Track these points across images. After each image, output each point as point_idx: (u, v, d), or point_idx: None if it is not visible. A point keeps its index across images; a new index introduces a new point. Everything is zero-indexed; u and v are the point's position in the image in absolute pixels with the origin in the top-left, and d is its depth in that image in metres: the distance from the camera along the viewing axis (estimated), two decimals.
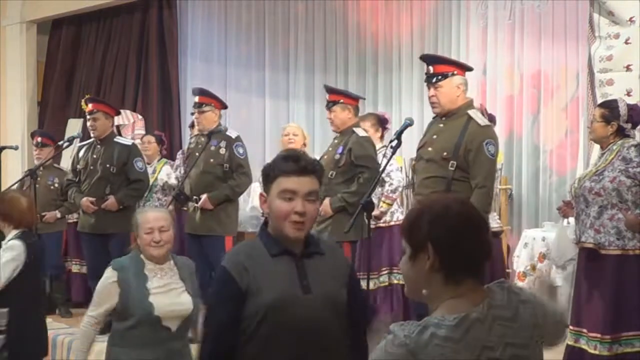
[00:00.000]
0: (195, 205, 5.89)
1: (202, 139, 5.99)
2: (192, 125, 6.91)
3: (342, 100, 5.48)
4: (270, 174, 2.49)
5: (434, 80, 4.29)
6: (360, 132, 5.48)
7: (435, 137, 4.31)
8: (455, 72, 4.34)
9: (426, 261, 1.82)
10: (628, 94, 5.74)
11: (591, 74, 5.99)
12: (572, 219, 4.65)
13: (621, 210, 4.18)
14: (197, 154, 5.89)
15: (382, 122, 6.04)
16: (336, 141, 5.54)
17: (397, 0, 9.03)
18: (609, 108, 4.38)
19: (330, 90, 5.70)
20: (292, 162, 2.47)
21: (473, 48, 8.38)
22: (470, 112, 4.31)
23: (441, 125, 4.34)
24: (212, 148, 5.92)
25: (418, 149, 4.40)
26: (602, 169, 4.29)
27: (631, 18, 5.81)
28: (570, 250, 4.57)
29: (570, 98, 7.72)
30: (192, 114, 6.16)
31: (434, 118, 4.46)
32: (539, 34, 7.88)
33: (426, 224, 1.82)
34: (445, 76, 4.29)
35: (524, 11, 7.99)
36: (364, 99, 5.92)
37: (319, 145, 8.63)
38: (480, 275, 1.85)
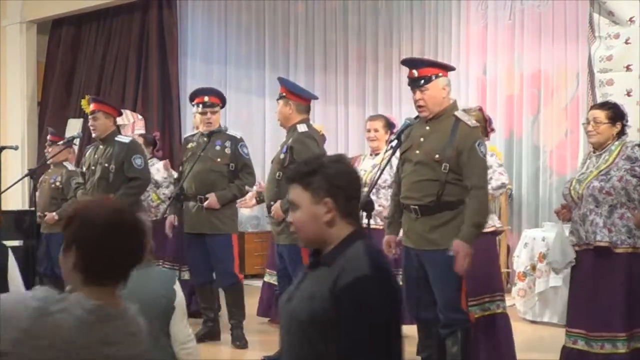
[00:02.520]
0: (200, 204, 5.85)
1: (204, 139, 5.94)
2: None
3: (284, 94, 5.34)
4: None
5: (420, 83, 4.24)
6: (301, 127, 5.28)
7: (422, 139, 4.25)
8: (440, 74, 4.29)
9: (71, 260, 1.97)
10: (628, 94, 5.74)
11: (591, 74, 5.99)
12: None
13: (629, 209, 4.21)
14: (200, 153, 5.85)
15: (390, 126, 5.98)
16: (284, 140, 5.41)
17: (397, 0, 9.04)
18: (613, 108, 4.39)
19: (280, 82, 5.55)
20: None
21: (473, 48, 8.38)
22: (457, 113, 4.26)
23: (427, 127, 4.27)
24: (217, 147, 5.87)
25: (402, 152, 4.35)
26: (607, 169, 4.29)
27: (631, 18, 5.82)
28: (571, 252, 4.56)
29: (570, 98, 7.73)
30: (203, 113, 5.93)
31: (415, 119, 4.41)
32: (539, 34, 7.89)
33: (75, 227, 1.97)
34: (430, 79, 4.24)
35: (524, 11, 7.99)
36: (315, 98, 5.66)
37: None
38: (124, 280, 1.99)
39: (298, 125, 5.26)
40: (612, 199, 4.23)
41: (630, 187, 4.21)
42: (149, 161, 7.38)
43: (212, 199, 5.80)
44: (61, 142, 6.99)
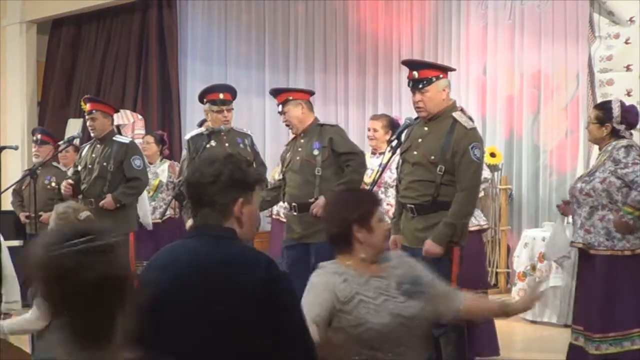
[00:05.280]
0: None
1: (225, 137, 5.68)
2: (201, 124, 6.71)
3: (290, 97, 5.24)
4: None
5: (420, 85, 4.25)
6: (331, 122, 5.35)
7: (420, 140, 4.26)
8: (441, 76, 4.29)
9: None
10: (628, 94, 5.74)
11: (591, 74, 5.99)
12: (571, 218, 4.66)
13: (612, 212, 4.19)
14: (230, 152, 5.60)
15: (393, 126, 5.95)
16: (302, 140, 5.22)
17: (397, 0, 9.04)
18: (603, 109, 4.39)
19: (275, 92, 5.44)
20: None
21: (473, 48, 8.38)
22: (455, 114, 4.26)
23: (426, 128, 4.28)
24: (241, 146, 5.71)
25: (402, 153, 4.36)
26: (595, 169, 4.30)
27: (631, 18, 5.82)
28: (565, 246, 4.60)
29: (570, 98, 7.72)
30: (220, 111, 5.66)
31: (415, 120, 4.41)
32: (539, 34, 7.89)
33: None
34: (430, 81, 4.24)
35: (524, 11, 7.99)
36: (313, 93, 5.60)
37: None
38: None
39: (324, 122, 5.28)
40: (592, 200, 4.21)
41: (612, 188, 4.18)
42: (160, 162, 7.39)
43: None
44: (61, 142, 6.99)
